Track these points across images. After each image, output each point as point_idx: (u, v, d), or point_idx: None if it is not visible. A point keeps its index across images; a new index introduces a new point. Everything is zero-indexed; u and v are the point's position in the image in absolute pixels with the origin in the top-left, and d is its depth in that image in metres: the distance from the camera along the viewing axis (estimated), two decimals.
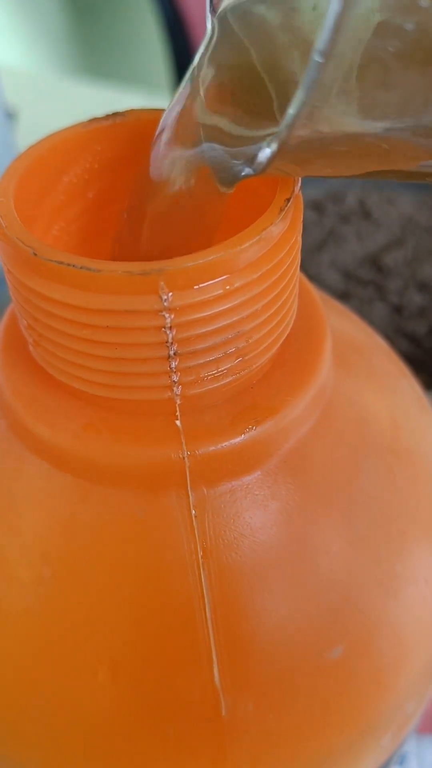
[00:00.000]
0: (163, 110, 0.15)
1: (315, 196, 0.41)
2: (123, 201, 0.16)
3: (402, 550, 0.16)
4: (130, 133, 0.15)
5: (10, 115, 0.46)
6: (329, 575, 0.15)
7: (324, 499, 0.15)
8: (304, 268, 0.36)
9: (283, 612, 0.14)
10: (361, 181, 0.41)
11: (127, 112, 0.15)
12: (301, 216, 0.13)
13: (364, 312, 0.34)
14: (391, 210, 0.39)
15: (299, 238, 0.13)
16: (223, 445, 0.14)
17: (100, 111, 0.15)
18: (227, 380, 0.13)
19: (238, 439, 0.14)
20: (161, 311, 0.12)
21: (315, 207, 0.40)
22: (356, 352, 0.17)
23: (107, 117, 0.15)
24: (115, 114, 0.15)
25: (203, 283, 0.12)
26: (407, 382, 0.19)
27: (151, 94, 0.57)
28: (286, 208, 0.12)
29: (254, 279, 0.12)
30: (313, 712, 0.15)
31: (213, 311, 0.12)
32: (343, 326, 0.18)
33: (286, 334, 0.14)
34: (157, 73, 0.82)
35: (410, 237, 0.38)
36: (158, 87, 0.83)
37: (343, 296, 0.35)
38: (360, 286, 0.36)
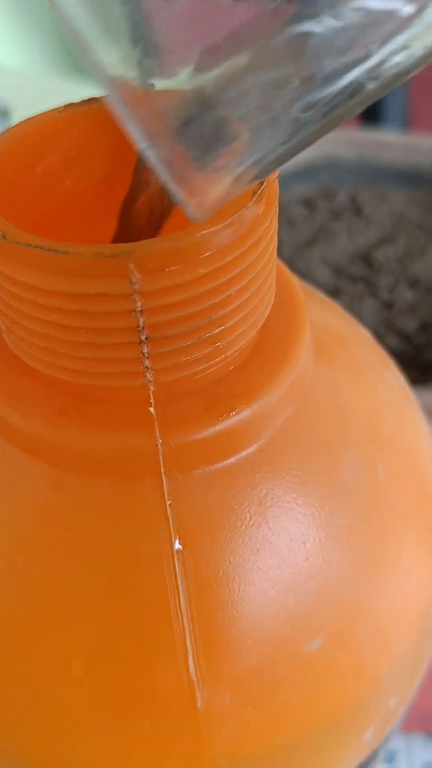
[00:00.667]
0: None
1: (306, 193, 0.41)
2: (101, 188, 0.15)
3: (383, 541, 0.16)
4: (108, 118, 0.15)
5: (3, 113, 0.46)
6: (306, 566, 0.14)
7: (302, 489, 0.15)
8: (295, 263, 0.36)
9: (259, 603, 0.14)
10: (352, 177, 0.41)
11: (104, 96, 0.15)
12: (277, 200, 0.13)
13: (354, 308, 0.34)
14: (383, 206, 0.39)
15: (274, 223, 0.13)
16: (199, 432, 0.13)
17: None
18: (202, 367, 0.13)
19: (213, 428, 0.14)
20: (131, 295, 0.12)
21: (306, 203, 0.40)
22: (337, 342, 0.17)
23: (83, 102, 0.15)
24: (92, 99, 0.15)
25: (174, 266, 0.12)
26: (390, 374, 0.19)
27: None
28: (259, 192, 0.12)
29: (227, 263, 0.12)
30: (291, 705, 0.15)
31: (185, 296, 0.12)
32: (325, 317, 0.18)
33: (262, 322, 0.14)
34: None
35: (401, 233, 0.38)
36: None
37: (334, 292, 0.35)
38: (351, 282, 0.36)
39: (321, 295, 0.19)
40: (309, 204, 0.40)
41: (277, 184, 0.13)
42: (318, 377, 0.16)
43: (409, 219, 0.39)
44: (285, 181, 0.41)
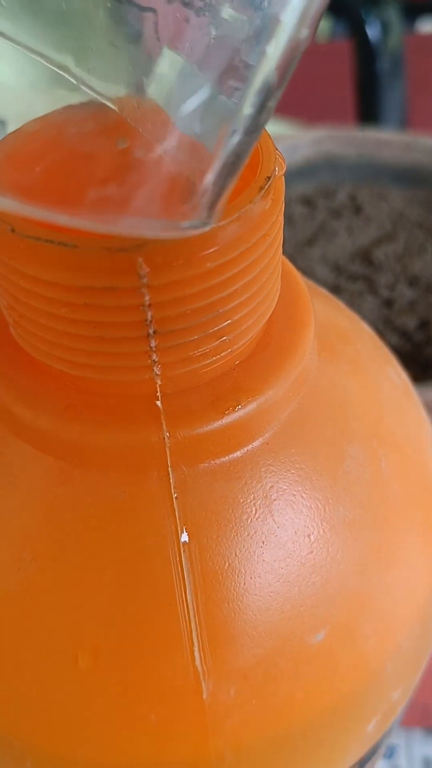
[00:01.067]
0: None
1: (306, 191, 0.41)
2: None
3: (386, 534, 0.16)
4: (106, 119, 0.15)
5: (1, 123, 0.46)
6: (311, 559, 0.15)
7: (306, 483, 0.15)
8: (295, 262, 0.36)
9: (264, 595, 0.14)
10: (352, 176, 0.41)
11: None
12: (283, 195, 0.13)
13: (354, 306, 0.34)
14: (382, 205, 0.39)
15: (280, 218, 0.13)
16: (205, 426, 0.14)
17: None
18: (208, 361, 0.13)
19: (219, 421, 0.14)
20: (139, 289, 0.12)
21: (306, 202, 0.40)
22: (341, 338, 0.17)
23: (82, 105, 0.15)
24: (90, 102, 0.15)
25: (181, 260, 0.12)
26: (393, 370, 0.19)
27: None
28: (266, 187, 0.12)
29: (233, 257, 0.12)
30: (295, 696, 0.15)
31: (192, 290, 0.12)
32: (328, 312, 0.18)
33: (268, 316, 0.14)
34: None
35: (401, 232, 0.38)
36: None
37: (334, 290, 0.35)
38: (350, 280, 0.36)
39: (324, 292, 0.19)
40: (309, 203, 0.40)
41: (283, 179, 0.14)
42: (322, 372, 0.16)
43: (408, 217, 0.39)
44: (285, 180, 0.41)
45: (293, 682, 0.15)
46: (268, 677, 0.14)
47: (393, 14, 0.57)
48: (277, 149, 0.13)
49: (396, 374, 0.19)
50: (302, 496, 0.15)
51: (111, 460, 0.14)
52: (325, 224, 0.39)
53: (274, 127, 0.57)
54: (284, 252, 0.37)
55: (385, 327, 0.34)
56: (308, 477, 0.15)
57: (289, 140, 0.42)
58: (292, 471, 0.15)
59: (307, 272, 0.36)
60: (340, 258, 0.37)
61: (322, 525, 0.15)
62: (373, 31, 0.56)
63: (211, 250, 0.12)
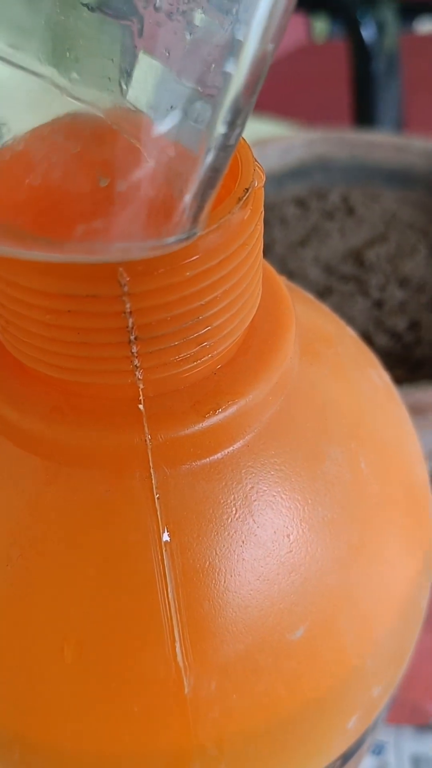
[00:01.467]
0: None
1: (299, 193, 0.41)
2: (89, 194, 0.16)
3: (365, 533, 0.16)
4: (95, 130, 0.15)
5: None
6: (290, 558, 0.15)
7: (286, 484, 0.15)
8: (287, 263, 0.37)
9: (244, 593, 0.15)
10: (344, 177, 0.42)
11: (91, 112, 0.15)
12: (262, 204, 0.14)
13: (345, 307, 0.35)
14: (374, 206, 0.40)
15: (260, 226, 0.14)
16: (186, 429, 0.14)
17: None
18: (189, 366, 0.14)
19: (200, 424, 0.14)
20: (120, 296, 0.12)
21: (299, 203, 0.41)
22: (323, 341, 0.18)
23: (68, 115, 0.15)
24: (78, 113, 0.15)
25: (162, 269, 0.12)
26: (375, 372, 0.19)
27: None
28: (245, 198, 0.13)
29: (213, 266, 0.13)
30: (276, 691, 0.15)
31: (172, 297, 0.13)
32: (310, 316, 0.18)
33: (248, 321, 0.15)
34: None
35: (393, 233, 0.38)
36: None
37: (325, 291, 0.36)
38: (342, 281, 0.36)
39: (308, 296, 0.20)
40: (302, 204, 0.41)
41: (262, 190, 0.14)
42: (303, 375, 0.16)
43: (400, 218, 0.39)
44: (278, 181, 0.41)
45: (273, 678, 0.15)
46: (248, 672, 0.15)
47: (389, 15, 0.58)
48: (256, 161, 0.14)
49: (378, 376, 0.19)
50: (282, 497, 0.15)
51: (95, 460, 0.14)
52: (317, 225, 0.39)
53: (271, 128, 0.57)
54: (277, 252, 0.37)
55: (375, 328, 0.34)
56: (288, 478, 0.15)
57: (284, 142, 0.42)
58: (272, 472, 0.15)
59: (300, 273, 0.36)
60: (332, 259, 0.37)
61: (301, 525, 0.15)
62: (368, 32, 0.56)
63: (191, 258, 0.12)
